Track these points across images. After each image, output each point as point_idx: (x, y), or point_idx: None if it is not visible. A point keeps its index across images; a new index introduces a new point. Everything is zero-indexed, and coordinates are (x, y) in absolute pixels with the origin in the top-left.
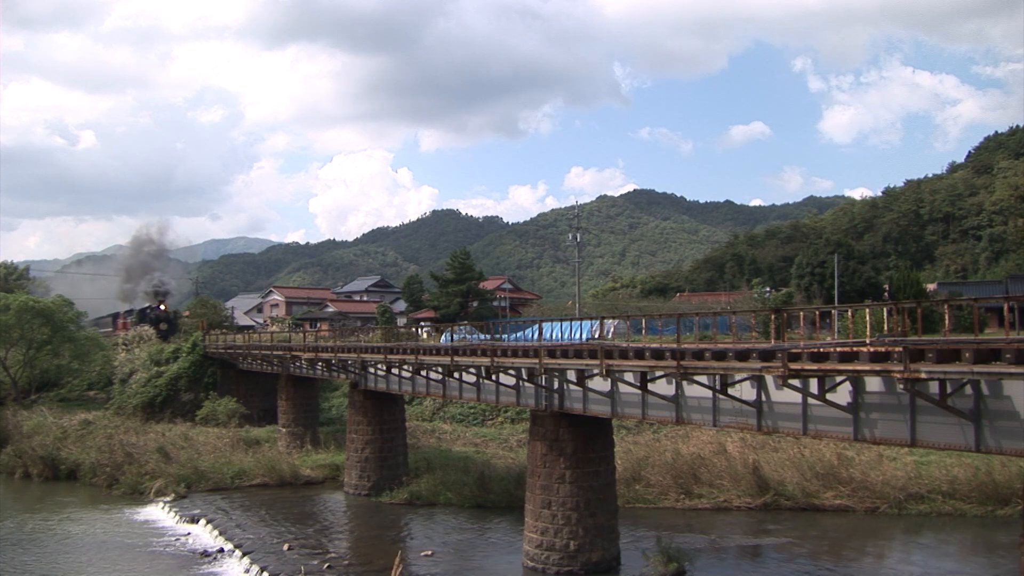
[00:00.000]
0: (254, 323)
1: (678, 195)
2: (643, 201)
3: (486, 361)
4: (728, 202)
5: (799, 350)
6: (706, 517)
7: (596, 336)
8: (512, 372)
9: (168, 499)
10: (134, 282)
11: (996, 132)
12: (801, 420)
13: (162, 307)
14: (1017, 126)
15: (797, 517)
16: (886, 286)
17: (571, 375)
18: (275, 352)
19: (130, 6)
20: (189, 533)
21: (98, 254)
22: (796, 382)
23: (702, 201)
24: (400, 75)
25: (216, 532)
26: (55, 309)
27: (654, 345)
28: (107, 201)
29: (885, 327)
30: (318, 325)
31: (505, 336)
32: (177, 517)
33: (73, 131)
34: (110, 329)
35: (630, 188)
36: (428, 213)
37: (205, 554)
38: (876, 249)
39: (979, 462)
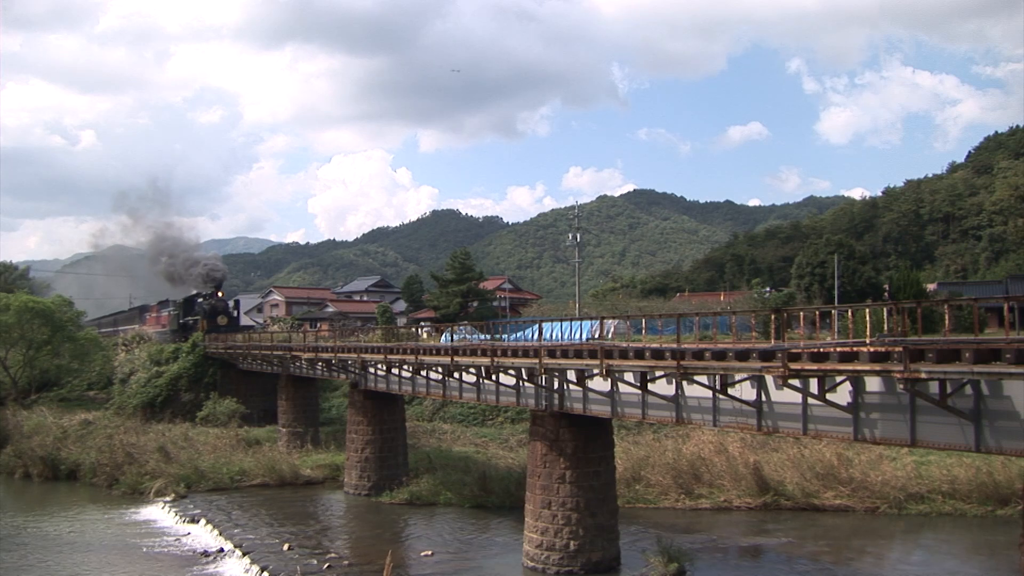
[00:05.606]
0: (254, 323)
1: (678, 195)
2: (643, 201)
3: (486, 361)
4: (728, 202)
5: (799, 350)
6: (706, 517)
7: (596, 336)
8: (512, 372)
9: (168, 499)
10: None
11: (996, 132)
12: (801, 420)
13: (220, 295)
14: (1017, 126)
15: (797, 517)
16: (886, 286)
17: (571, 375)
18: (275, 352)
19: (125, 6)
20: (189, 533)
21: (98, 254)
22: (796, 382)
23: (702, 201)
24: (398, 76)
25: (216, 532)
26: (55, 309)
27: (654, 345)
28: (108, 201)
29: (885, 327)
30: (318, 325)
31: (505, 336)
32: (177, 517)
33: (72, 131)
34: (136, 325)
35: (629, 188)
36: (428, 213)
37: (205, 554)
38: (876, 249)
39: (979, 462)
